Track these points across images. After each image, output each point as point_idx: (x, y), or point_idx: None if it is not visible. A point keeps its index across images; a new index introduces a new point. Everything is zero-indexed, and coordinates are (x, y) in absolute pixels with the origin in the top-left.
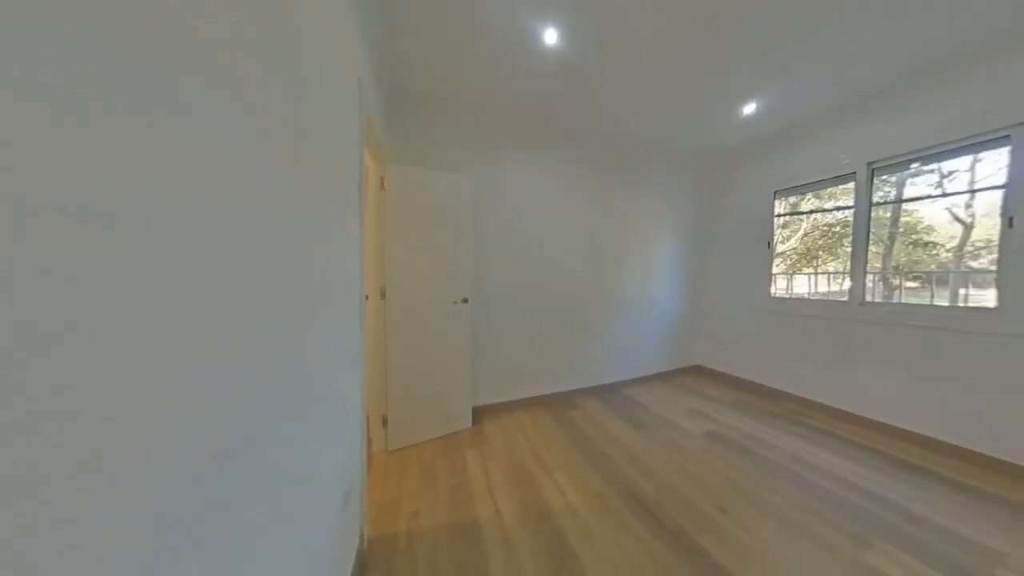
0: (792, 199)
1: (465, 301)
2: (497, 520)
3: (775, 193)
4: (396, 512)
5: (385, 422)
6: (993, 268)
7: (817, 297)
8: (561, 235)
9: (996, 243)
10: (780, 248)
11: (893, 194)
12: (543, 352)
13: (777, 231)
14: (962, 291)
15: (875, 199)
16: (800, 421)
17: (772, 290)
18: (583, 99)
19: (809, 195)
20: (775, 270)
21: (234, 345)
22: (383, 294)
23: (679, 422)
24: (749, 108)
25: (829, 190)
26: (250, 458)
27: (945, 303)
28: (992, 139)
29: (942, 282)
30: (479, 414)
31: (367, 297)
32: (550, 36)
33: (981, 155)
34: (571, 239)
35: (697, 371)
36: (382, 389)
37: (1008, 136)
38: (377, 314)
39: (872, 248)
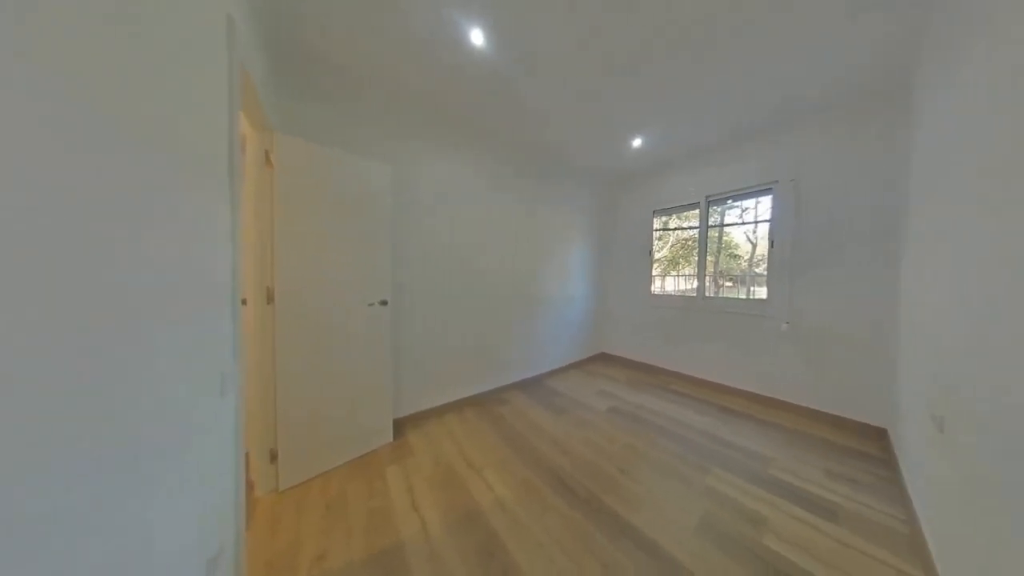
0: (664, 218)
1: (384, 303)
2: (423, 535)
3: (653, 212)
4: (293, 562)
5: (274, 456)
6: (764, 273)
7: (679, 294)
8: (485, 235)
9: (767, 257)
10: (657, 256)
11: (720, 220)
12: (471, 352)
13: (655, 242)
14: (752, 288)
15: (710, 222)
16: (671, 389)
17: (652, 289)
18: (507, 104)
19: (674, 215)
20: (654, 273)
21: None
22: (270, 297)
23: (589, 403)
24: (637, 141)
25: (686, 213)
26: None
27: (744, 296)
28: (764, 189)
29: (743, 282)
30: (402, 425)
31: (244, 301)
32: (476, 36)
33: (761, 198)
34: (495, 239)
35: (603, 358)
36: (270, 415)
37: (771, 188)
38: (264, 322)
39: (708, 257)
